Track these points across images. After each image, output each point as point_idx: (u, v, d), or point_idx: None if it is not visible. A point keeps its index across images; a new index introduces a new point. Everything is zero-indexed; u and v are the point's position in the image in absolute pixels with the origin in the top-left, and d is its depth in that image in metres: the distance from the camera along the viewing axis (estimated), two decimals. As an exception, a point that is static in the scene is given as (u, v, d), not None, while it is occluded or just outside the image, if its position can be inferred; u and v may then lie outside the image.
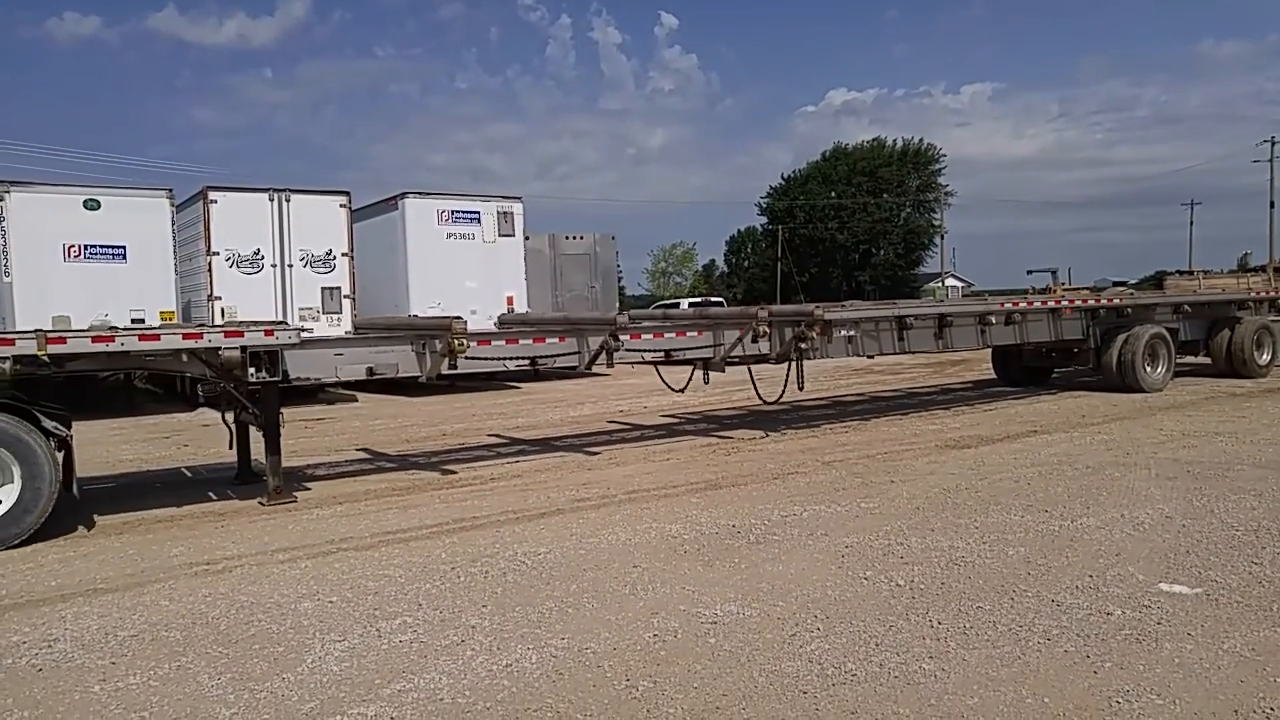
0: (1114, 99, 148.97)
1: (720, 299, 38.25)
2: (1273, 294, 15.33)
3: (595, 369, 9.75)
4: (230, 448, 8.19)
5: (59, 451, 6.23)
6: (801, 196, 63.07)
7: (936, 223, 61.57)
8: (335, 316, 15.41)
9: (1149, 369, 12.80)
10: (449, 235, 18.54)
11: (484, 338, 8.14)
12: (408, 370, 7.68)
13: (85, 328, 7.63)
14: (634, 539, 5.72)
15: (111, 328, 7.00)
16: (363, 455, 10.20)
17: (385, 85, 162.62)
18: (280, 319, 15.68)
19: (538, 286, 20.79)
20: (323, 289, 16.99)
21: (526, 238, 20.03)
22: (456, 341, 7.47)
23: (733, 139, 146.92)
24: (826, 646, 3.88)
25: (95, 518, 6.87)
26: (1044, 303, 12.38)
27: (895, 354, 11.42)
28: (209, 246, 15.99)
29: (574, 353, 8.70)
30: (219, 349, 6.72)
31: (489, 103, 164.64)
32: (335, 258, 16.94)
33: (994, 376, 15.17)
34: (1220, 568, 4.82)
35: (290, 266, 16.74)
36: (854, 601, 4.46)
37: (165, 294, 15.27)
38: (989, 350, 13.86)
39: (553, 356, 8.65)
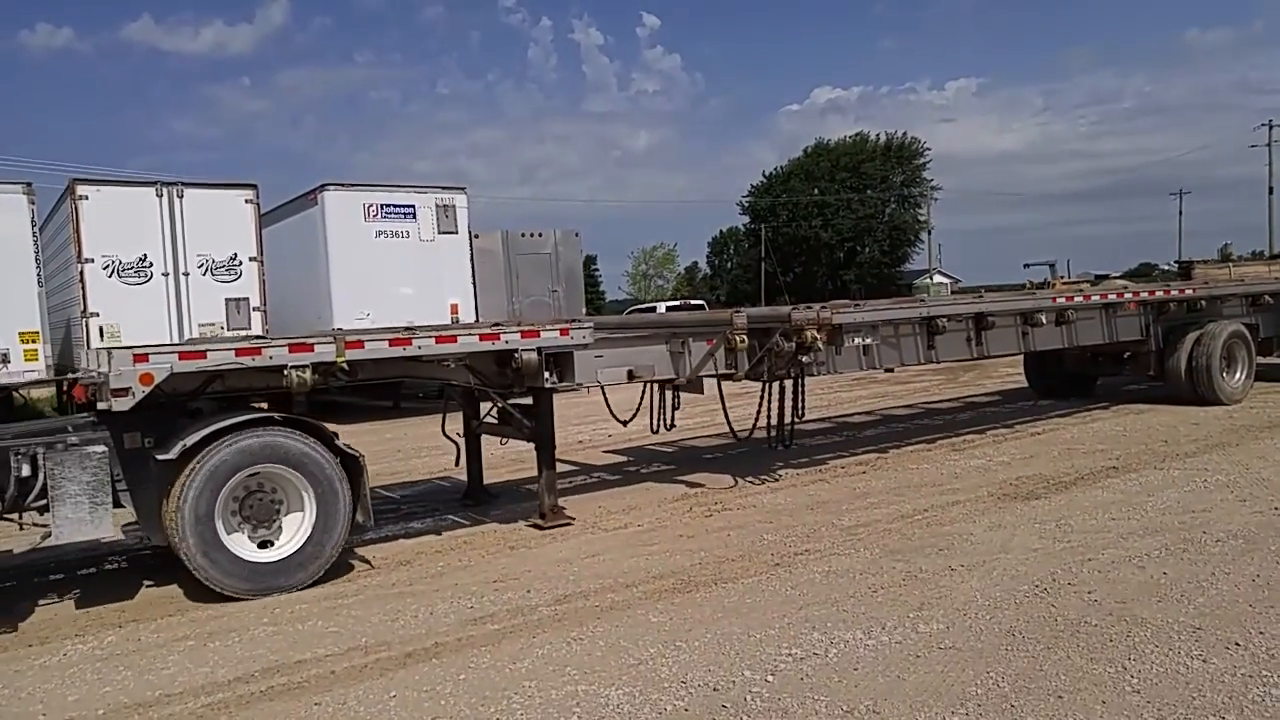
0: (1099, 91, 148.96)
1: (702, 301, 35.92)
2: None
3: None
4: (457, 464, 7.53)
5: (349, 474, 5.33)
6: (784, 194, 60.99)
7: (922, 218, 59.60)
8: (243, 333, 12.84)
9: (1226, 375, 10.46)
10: (379, 233, 15.67)
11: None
12: (664, 373, 7.20)
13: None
14: (539, 732, 3.22)
15: (408, 329, 6.22)
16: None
17: (366, 92, 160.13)
18: (183, 336, 13.11)
19: (489, 291, 18.06)
20: (227, 300, 14.12)
21: (476, 235, 17.39)
22: (738, 339, 7.09)
23: (718, 139, 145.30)
24: None
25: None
26: (1103, 296, 9.99)
27: (921, 364, 8.99)
28: (80, 252, 13.38)
29: None
30: (516, 351, 6.10)
31: (471, 108, 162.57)
32: (241, 263, 14.12)
33: (1019, 385, 12.85)
34: None
35: (186, 275, 13.92)
36: None
37: (27, 312, 12.46)
38: (1009, 355, 11.46)
39: None
